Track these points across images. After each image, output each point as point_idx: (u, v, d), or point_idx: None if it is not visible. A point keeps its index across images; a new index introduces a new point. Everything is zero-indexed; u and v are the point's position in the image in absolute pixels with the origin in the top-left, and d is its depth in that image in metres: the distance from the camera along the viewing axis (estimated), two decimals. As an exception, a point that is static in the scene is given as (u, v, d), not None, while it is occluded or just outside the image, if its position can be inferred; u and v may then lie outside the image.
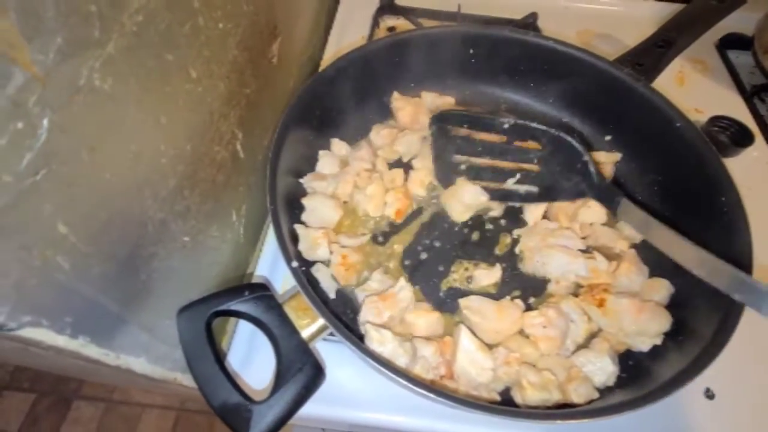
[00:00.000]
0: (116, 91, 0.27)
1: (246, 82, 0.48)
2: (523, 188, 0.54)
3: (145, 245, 0.33)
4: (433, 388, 0.32)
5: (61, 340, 0.25)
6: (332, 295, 0.46)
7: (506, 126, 0.53)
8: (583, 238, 0.50)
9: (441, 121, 0.55)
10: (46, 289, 0.24)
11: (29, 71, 0.21)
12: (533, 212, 0.51)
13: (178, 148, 0.36)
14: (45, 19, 0.21)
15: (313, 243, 0.48)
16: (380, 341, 0.38)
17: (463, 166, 0.56)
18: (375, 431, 0.48)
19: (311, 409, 0.45)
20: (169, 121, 0.34)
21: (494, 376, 0.41)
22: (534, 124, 0.51)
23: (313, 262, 0.48)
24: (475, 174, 0.55)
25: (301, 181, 0.54)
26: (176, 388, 0.49)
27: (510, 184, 0.54)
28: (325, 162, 0.57)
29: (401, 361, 0.39)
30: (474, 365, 0.40)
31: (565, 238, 0.49)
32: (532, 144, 0.53)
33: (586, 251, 0.49)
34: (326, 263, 0.48)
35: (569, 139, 0.50)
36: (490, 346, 0.43)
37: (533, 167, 0.53)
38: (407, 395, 0.44)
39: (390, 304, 0.42)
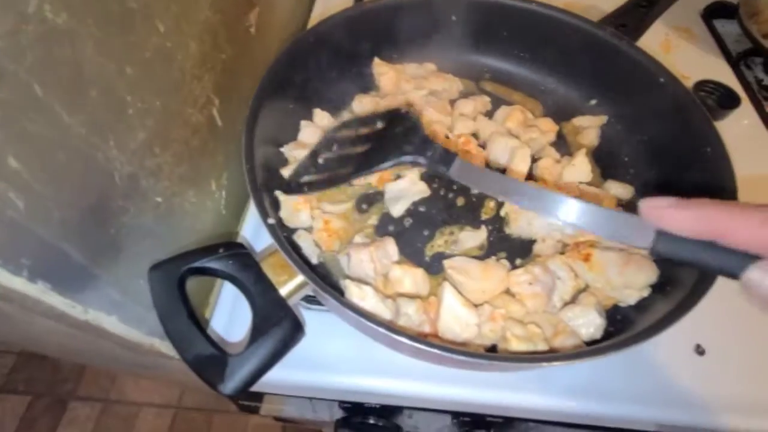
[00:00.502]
0: (71, 27, 0.26)
1: (220, 46, 0.47)
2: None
3: (113, 197, 0.32)
4: (417, 337, 0.31)
5: (18, 282, 0.24)
6: (314, 261, 0.46)
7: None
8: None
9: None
10: (-3, 225, 0.23)
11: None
12: (516, 171, 0.51)
13: (147, 102, 0.35)
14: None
15: (294, 209, 0.47)
16: (360, 296, 0.37)
17: None
18: (362, 396, 0.47)
19: (298, 377, 0.45)
20: (135, 72, 0.33)
21: (479, 333, 0.40)
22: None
23: (294, 230, 0.47)
24: None
25: (282, 149, 0.53)
26: (162, 363, 0.48)
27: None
28: (307, 132, 0.56)
29: (384, 317, 0.38)
30: (458, 321, 0.39)
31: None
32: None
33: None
34: (308, 230, 0.47)
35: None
36: (475, 306, 0.42)
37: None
38: (391, 358, 0.43)
39: (377, 253, 0.41)
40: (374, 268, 0.41)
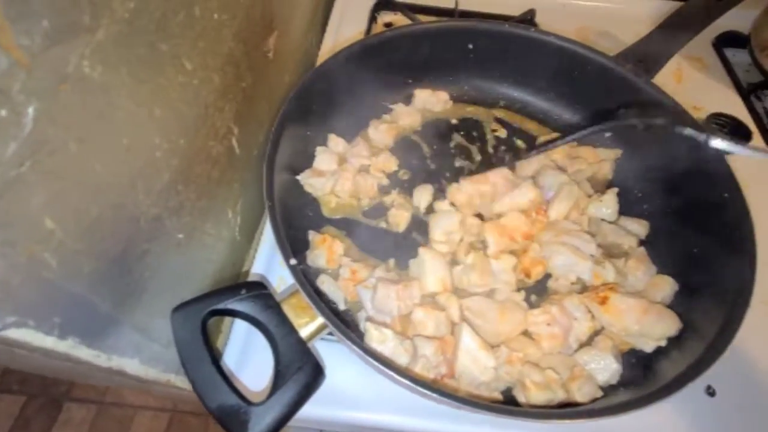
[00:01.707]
0: (107, 80, 0.26)
1: (242, 75, 0.47)
2: None
3: (138, 242, 0.32)
4: (435, 387, 0.31)
5: (50, 342, 0.24)
6: (342, 306, 0.46)
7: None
8: (593, 235, 0.49)
9: None
10: (32, 288, 0.23)
11: (13, 56, 0.19)
12: (557, 208, 0.50)
13: (173, 142, 0.35)
14: (30, 1, 0.20)
15: (314, 247, 0.47)
16: (380, 340, 0.37)
17: None
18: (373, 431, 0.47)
19: (310, 410, 0.44)
20: (163, 114, 0.33)
21: (496, 375, 0.40)
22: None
23: (317, 274, 0.47)
24: None
25: (298, 177, 0.53)
26: (169, 389, 0.48)
27: None
28: (323, 158, 0.55)
29: (402, 360, 0.38)
30: (476, 364, 0.39)
31: (581, 240, 0.47)
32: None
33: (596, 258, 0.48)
34: (332, 275, 0.47)
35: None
36: (492, 346, 0.42)
37: None
38: (408, 395, 0.43)
39: (403, 293, 0.41)
40: (398, 306, 0.41)
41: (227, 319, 0.50)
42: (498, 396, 0.40)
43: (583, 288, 0.47)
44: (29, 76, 0.20)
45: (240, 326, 0.48)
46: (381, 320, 0.42)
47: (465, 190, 0.51)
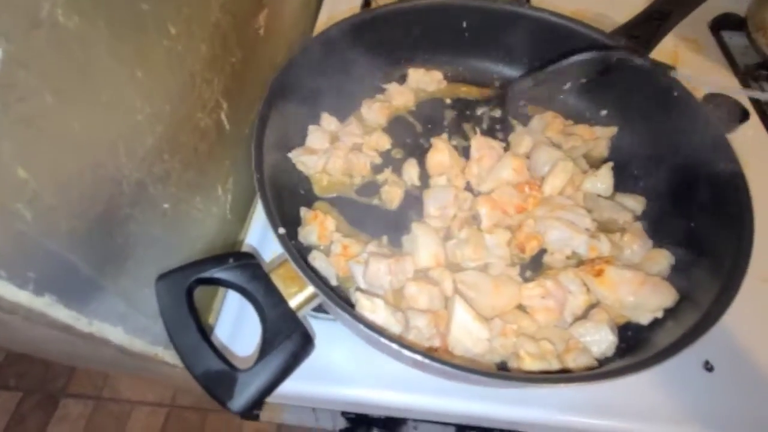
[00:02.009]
0: (83, 32, 0.25)
1: (230, 49, 0.46)
2: None
3: (120, 206, 0.31)
4: (429, 354, 0.30)
5: (24, 296, 0.23)
6: (334, 282, 0.45)
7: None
8: (589, 211, 0.49)
9: None
10: (4, 238, 0.22)
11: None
12: (552, 183, 0.50)
13: (156, 107, 0.34)
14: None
15: (305, 223, 0.46)
16: (371, 309, 0.37)
17: None
18: (366, 408, 0.46)
19: (301, 387, 0.44)
20: (146, 76, 0.32)
21: (490, 347, 0.39)
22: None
23: (309, 251, 0.46)
24: None
25: (290, 155, 0.53)
26: (163, 370, 0.47)
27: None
28: (315, 137, 0.55)
29: (393, 331, 0.37)
30: (469, 336, 0.38)
31: (575, 214, 0.46)
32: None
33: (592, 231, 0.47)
34: (323, 251, 0.46)
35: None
36: (486, 319, 0.41)
37: None
38: (399, 371, 0.42)
39: (395, 267, 0.40)
40: (390, 281, 0.40)
41: (218, 297, 0.50)
42: (492, 367, 0.39)
43: (579, 262, 0.46)
44: (-3, 12, 0.20)
45: (231, 304, 0.48)
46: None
47: (440, 148, 0.50)
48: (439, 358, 0.31)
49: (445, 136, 0.57)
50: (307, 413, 0.53)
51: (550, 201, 0.49)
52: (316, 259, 0.45)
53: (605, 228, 0.49)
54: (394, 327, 0.37)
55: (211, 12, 0.41)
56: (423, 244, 0.44)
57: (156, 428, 1.43)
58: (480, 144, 0.51)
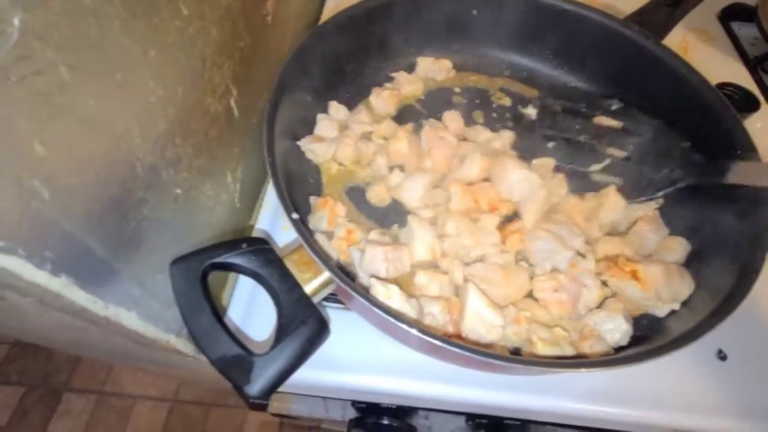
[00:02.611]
0: (98, 6, 0.25)
1: (239, 34, 0.46)
2: (606, 179, 0.51)
3: (134, 189, 0.30)
4: (449, 339, 0.30)
5: (41, 276, 0.23)
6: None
7: (613, 108, 0.51)
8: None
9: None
10: (22, 216, 0.22)
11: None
12: (528, 218, 0.48)
13: (169, 90, 0.33)
14: None
15: (315, 209, 0.46)
16: (386, 296, 0.36)
17: (551, 143, 0.53)
18: (377, 397, 0.46)
19: (313, 376, 0.44)
20: (158, 57, 0.31)
21: (503, 335, 0.39)
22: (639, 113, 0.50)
23: (313, 232, 0.46)
24: (562, 154, 0.53)
25: (299, 143, 0.52)
26: (171, 359, 0.47)
27: (594, 169, 0.52)
28: (324, 125, 0.54)
29: (409, 317, 0.37)
30: (483, 323, 0.38)
31: (568, 231, 0.44)
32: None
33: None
34: (326, 234, 0.46)
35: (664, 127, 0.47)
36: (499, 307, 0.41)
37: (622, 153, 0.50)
38: (408, 358, 0.42)
39: (392, 254, 0.40)
40: (386, 268, 0.40)
41: (229, 282, 0.49)
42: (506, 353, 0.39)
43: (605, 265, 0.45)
44: (14, -20, 0.19)
45: (243, 288, 0.47)
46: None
47: (400, 137, 0.50)
48: (461, 344, 0.30)
49: (410, 126, 0.55)
50: (317, 403, 0.53)
51: (548, 216, 0.47)
52: (318, 243, 0.44)
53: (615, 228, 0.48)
54: (410, 313, 0.37)
55: (221, -5, 0.41)
56: (418, 236, 0.44)
57: (159, 423, 1.43)
58: (429, 135, 0.50)
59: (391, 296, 0.36)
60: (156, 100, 0.32)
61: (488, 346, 0.38)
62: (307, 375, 0.43)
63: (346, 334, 0.45)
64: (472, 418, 0.51)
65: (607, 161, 0.53)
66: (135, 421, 1.43)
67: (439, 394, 0.44)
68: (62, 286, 0.24)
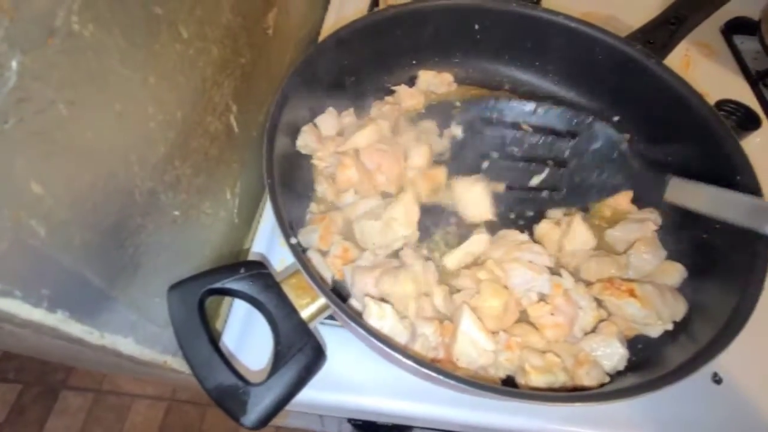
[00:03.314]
0: (98, 40, 0.25)
1: (240, 50, 0.45)
2: (547, 192, 0.51)
3: (132, 216, 0.30)
4: (435, 366, 0.30)
5: (37, 314, 0.23)
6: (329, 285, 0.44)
7: (533, 110, 0.49)
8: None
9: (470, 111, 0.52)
10: (19, 256, 0.21)
11: (-6, 0, 0.18)
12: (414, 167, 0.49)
13: (168, 114, 0.33)
14: (12, -57, 0.18)
15: (309, 225, 0.46)
16: (380, 315, 0.36)
17: (485, 163, 0.52)
18: (373, 416, 0.46)
19: (310, 395, 0.44)
20: (158, 82, 0.31)
21: (495, 360, 0.39)
22: (562, 109, 0.48)
23: (305, 249, 0.45)
24: (497, 172, 0.52)
25: (299, 139, 0.51)
26: (166, 374, 0.47)
27: (535, 182, 0.52)
28: (325, 118, 0.54)
29: (401, 339, 0.37)
30: (475, 346, 0.38)
31: (532, 253, 0.44)
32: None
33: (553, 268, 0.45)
34: (321, 252, 0.45)
35: (605, 127, 0.46)
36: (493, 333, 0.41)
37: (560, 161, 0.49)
38: (407, 380, 0.42)
39: (383, 280, 0.40)
40: (378, 293, 0.40)
41: (226, 302, 0.49)
42: (497, 382, 0.39)
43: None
44: (12, 24, 0.19)
45: (239, 309, 0.47)
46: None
47: (347, 164, 0.49)
48: (444, 370, 0.30)
49: (351, 152, 0.52)
50: (313, 418, 0.53)
51: (504, 239, 0.47)
52: (312, 260, 0.44)
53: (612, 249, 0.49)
54: (402, 335, 0.37)
55: (222, 13, 0.40)
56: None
57: (156, 421, 1.43)
58: (370, 154, 0.50)
59: (384, 316, 0.37)
60: (155, 126, 0.32)
61: (478, 371, 0.38)
62: (303, 393, 0.43)
63: (343, 352, 0.45)
64: (468, 435, 0.51)
65: (546, 172, 0.53)
66: (132, 419, 1.44)
67: (435, 415, 0.44)
68: (58, 321, 0.24)
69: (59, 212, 0.23)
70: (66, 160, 0.24)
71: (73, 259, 0.25)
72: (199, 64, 0.37)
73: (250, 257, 0.50)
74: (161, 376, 0.56)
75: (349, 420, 0.51)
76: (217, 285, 0.33)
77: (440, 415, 0.44)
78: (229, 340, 0.45)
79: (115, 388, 1.48)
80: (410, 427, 0.51)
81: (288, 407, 0.48)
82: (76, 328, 0.26)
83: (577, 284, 0.44)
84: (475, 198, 0.50)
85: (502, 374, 0.40)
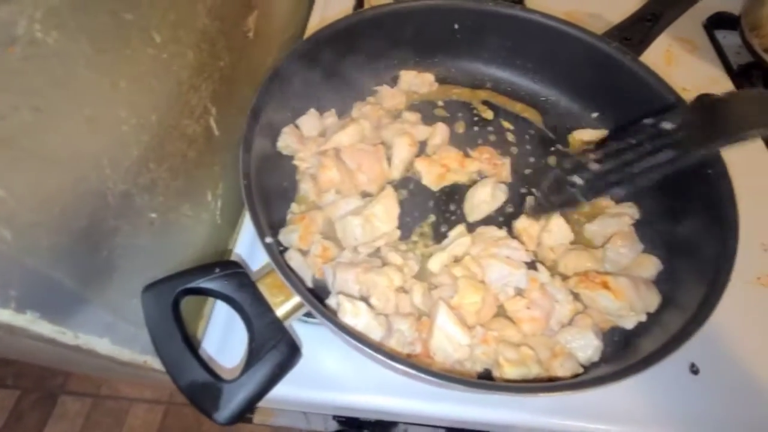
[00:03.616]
0: (63, 47, 0.25)
1: (218, 54, 0.46)
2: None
3: (106, 219, 0.31)
4: (409, 361, 0.31)
5: (6, 315, 0.23)
6: (309, 284, 0.45)
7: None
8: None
9: None
10: (-17, 259, 0.22)
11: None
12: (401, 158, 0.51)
13: (142, 117, 0.34)
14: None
15: (288, 224, 0.46)
16: (354, 313, 0.37)
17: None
18: (357, 413, 0.47)
19: (292, 392, 0.44)
20: (130, 87, 0.32)
21: (471, 354, 0.39)
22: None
23: (286, 249, 0.46)
24: None
25: (279, 140, 0.52)
26: (162, 377, 0.47)
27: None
28: (308, 119, 0.55)
29: (375, 335, 0.38)
30: (450, 341, 0.39)
31: (509, 248, 0.45)
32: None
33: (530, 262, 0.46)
34: (301, 252, 0.46)
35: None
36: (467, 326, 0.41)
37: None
38: (388, 376, 0.42)
39: (364, 277, 0.40)
40: (359, 290, 0.41)
41: (207, 308, 0.50)
42: (474, 375, 0.40)
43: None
44: (-31, 33, 0.19)
45: (220, 312, 0.48)
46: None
47: (328, 165, 0.49)
48: (417, 365, 0.31)
49: (332, 152, 0.52)
50: (298, 416, 0.54)
51: (482, 236, 0.48)
52: (292, 260, 0.44)
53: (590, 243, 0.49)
54: (376, 331, 0.38)
55: (197, 17, 0.41)
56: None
57: (154, 425, 1.44)
58: (351, 154, 0.50)
59: (358, 313, 0.37)
60: (128, 129, 0.33)
61: (454, 366, 0.39)
62: (286, 390, 0.44)
63: (325, 349, 0.46)
64: (452, 430, 0.52)
65: None
66: (131, 423, 1.44)
67: (417, 410, 0.45)
68: (28, 321, 0.25)
69: (24, 215, 0.24)
70: (31, 165, 0.24)
71: (41, 262, 0.25)
72: (173, 68, 0.38)
73: (233, 258, 0.50)
74: (158, 379, 0.56)
75: (334, 416, 0.52)
76: (192, 285, 0.34)
77: (422, 410, 0.44)
78: (211, 340, 0.45)
79: (113, 393, 1.48)
80: (395, 423, 0.52)
81: (273, 405, 0.48)
82: (47, 329, 0.27)
83: (553, 278, 0.44)
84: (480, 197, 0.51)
85: (479, 368, 0.41)
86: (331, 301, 0.40)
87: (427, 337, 0.39)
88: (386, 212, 0.46)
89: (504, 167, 0.54)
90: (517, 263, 0.44)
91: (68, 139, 0.27)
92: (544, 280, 0.44)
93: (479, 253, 0.46)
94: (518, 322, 0.42)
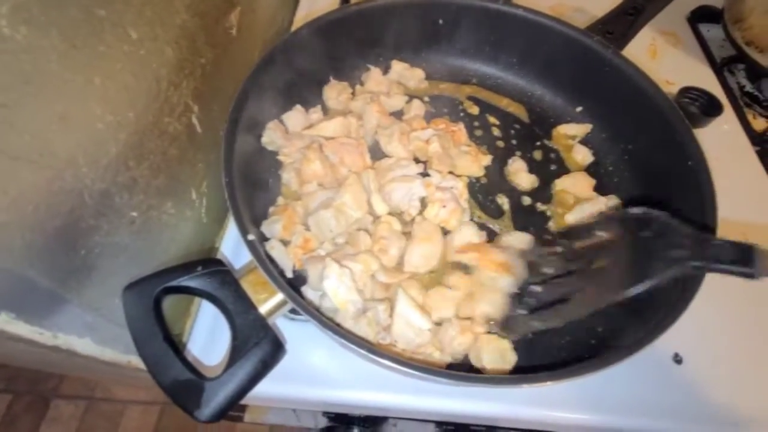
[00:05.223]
0: (32, 42, 0.25)
1: (199, 50, 0.45)
2: None
3: (83, 217, 0.31)
4: (395, 356, 0.31)
5: (-22, 315, 0.23)
6: (289, 274, 0.45)
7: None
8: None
9: None
10: (-48, 258, 0.22)
11: None
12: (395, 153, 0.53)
13: (119, 114, 0.33)
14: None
15: (271, 215, 0.47)
16: (340, 275, 0.38)
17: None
18: (345, 408, 0.47)
19: (280, 389, 0.44)
20: (105, 83, 0.31)
21: (432, 339, 0.40)
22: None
23: (268, 238, 0.46)
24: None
25: (263, 136, 0.52)
26: (140, 374, 0.47)
27: None
28: (293, 115, 0.55)
29: (354, 307, 0.39)
30: (411, 327, 0.39)
31: (401, 168, 0.50)
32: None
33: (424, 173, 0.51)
34: (282, 242, 0.46)
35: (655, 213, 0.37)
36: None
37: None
38: (374, 370, 0.43)
39: (341, 271, 0.41)
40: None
41: (192, 309, 0.49)
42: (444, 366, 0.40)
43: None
44: (-70, 29, 0.19)
45: (207, 310, 0.48)
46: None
47: (311, 158, 0.50)
48: (402, 360, 0.31)
49: (316, 146, 0.53)
50: (288, 413, 0.54)
51: (378, 168, 0.51)
52: (274, 249, 0.44)
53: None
54: (357, 303, 0.39)
55: (175, 14, 0.41)
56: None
57: (149, 427, 1.43)
58: (333, 147, 0.51)
59: (343, 275, 0.39)
60: (104, 127, 0.32)
61: (416, 351, 0.39)
62: (274, 388, 0.44)
63: (312, 346, 0.46)
64: (440, 424, 0.52)
65: None
66: (126, 425, 1.43)
67: (404, 405, 0.45)
68: (4, 322, 0.25)
69: (-3, 214, 0.24)
70: (1, 162, 0.24)
71: (14, 261, 0.25)
72: (151, 64, 0.37)
73: (219, 255, 0.50)
74: (149, 380, 0.56)
75: (324, 413, 0.52)
76: (173, 283, 0.34)
77: (410, 405, 0.45)
78: (197, 338, 0.45)
79: (107, 395, 1.47)
80: (384, 418, 0.52)
81: (261, 403, 0.48)
82: (24, 329, 0.26)
83: (443, 176, 0.49)
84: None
85: (449, 359, 0.41)
86: (308, 292, 0.40)
87: (389, 326, 0.39)
88: (355, 199, 0.47)
89: (461, 133, 0.57)
90: (412, 177, 0.49)
91: (39, 136, 0.26)
92: (436, 181, 0.48)
93: (382, 184, 0.49)
94: (445, 224, 0.46)
